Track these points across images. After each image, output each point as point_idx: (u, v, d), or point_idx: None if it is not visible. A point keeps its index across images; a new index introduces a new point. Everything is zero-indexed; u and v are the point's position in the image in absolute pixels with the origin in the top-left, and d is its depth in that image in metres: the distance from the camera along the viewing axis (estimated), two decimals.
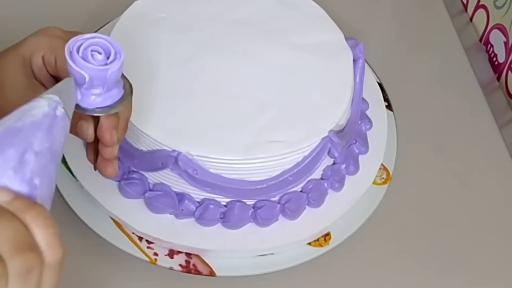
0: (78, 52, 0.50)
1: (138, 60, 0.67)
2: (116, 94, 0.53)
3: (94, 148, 0.57)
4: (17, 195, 0.42)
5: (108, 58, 0.51)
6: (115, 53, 0.51)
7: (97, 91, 0.52)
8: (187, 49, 0.70)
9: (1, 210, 0.41)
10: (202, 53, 0.70)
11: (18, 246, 0.40)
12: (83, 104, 0.52)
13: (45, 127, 0.45)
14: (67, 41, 0.53)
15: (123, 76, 0.54)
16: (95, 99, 0.52)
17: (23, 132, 0.44)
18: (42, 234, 0.41)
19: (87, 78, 0.50)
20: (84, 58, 0.50)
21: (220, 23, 0.72)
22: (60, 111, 0.47)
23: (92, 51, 0.50)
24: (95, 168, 0.58)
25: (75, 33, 0.58)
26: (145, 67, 0.67)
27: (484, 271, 0.72)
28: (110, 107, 0.53)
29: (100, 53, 0.50)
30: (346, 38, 0.73)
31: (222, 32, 0.72)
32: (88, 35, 0.51)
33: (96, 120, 0.55)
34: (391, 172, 0.75)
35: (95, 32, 0.79)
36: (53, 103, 0.47)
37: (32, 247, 0.41)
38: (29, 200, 0.42)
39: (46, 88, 0.57)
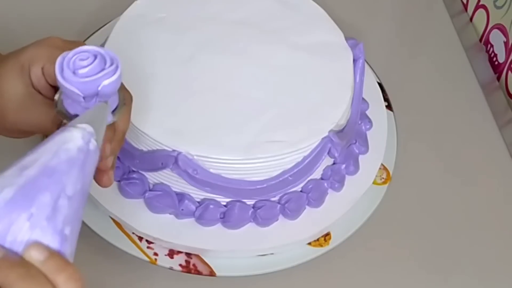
0: (68, 66, 0.49)
1: (138, 60, 0.67)
2: (110, 105, 0.52)
3: None
4: (51, 253, 0.41)
5: (105, 64, 0.50)
6: (112, 63, 0.50)
7: (91, 102, 0.51)
8: (187, 49, 0.70)
9: (34, 273, 0.41)
10: (202, 53, 0.70)
11: None
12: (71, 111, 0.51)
13: (79, 164, 0.44)
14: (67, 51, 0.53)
15: (122, 88, 0.53)
16: (78, 107, 0.51)
17: (58, 172, 0.43)
18: None
19: (78, 92, 0.49)
20: (74, 72, 0.49)
21: (220, 23, 0.72)
22: (93, 144, 0.46)
23: (80, 60, 0.50)
24: None
25: (76, 43, 0.58)
26: (145, 67, 0.67)
27: (484, 270, 0.72)
28: None
29: (84, 59, 0.50)
30: (346, 38, 0.73)
31: (222, 32, 0.72)
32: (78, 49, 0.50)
33: None
34: (391, 172, 0.75)
35: (94, 32, 0.79)
36: (87, 135, 0.46)
37: None
38: (61, 260, 0.42)
39: (44, 96, 0.56)
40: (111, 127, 0.54)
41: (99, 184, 0.56)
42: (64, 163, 0.43)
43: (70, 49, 0.55)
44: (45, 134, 0.57)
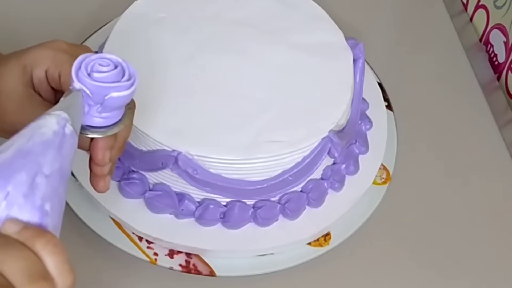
0: (86, 67, 0.49)
1: (138, 60, 0.66)
2: (116, 116, 0.52)
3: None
4: (26, 225, 0.42)
5: (122, 77, 0.50)
6: (129, 78, 0.50)
7: (94, 109, 0.50)
8: (187, 49, 0.70)
9: (11, 241, 0.41)
10: (202, 53, 0.70)
11: (31, 276, 0.40)
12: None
13: (55, 146, 0.45)
14: (72, 55, 0.52)
15: None
16: (92, 118, 0.51)
17: (33, 153, 0.44)
18: (52, 262, 0.42)
19: (88, 93, 0.49)
20: (89, 74, 0.49)
21: (220, 23, 0.72)
22: (68, 128, 0.46)
23: (99, 64, 0.49)
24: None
25: (81, 47, 0.57)
26: (145, 67, 0.67)
27: (484, 271, 0.72)
28: (107, 128, 0.52)
29: (103, 66, 0.49)
30: (346, 38, 0.73)
31: (222, 32, 0.72)
32: (104, 55, 0.50)
33: None
34: (391, 172, 0.75)
35: (94, 32, 0.79)
36: (61, 120, 0.46)
37: (44, 275, 0.41)
38: (38, 228, 0.42)
39: (44, 98, 0.56)
40: (113, 135, 0.53)
41: (95, 189, 0.56)
42: (39, 145, 0.44)
43: (76, 52, 0.54)
44: None
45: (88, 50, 0.58)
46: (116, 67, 0.50)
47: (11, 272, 0.40)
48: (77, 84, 0.49)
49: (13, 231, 0.42)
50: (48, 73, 0.55)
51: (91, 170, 0.55)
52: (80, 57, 0.50)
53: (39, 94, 0.56)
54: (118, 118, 0.52)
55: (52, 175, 0.44)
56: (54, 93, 0.57)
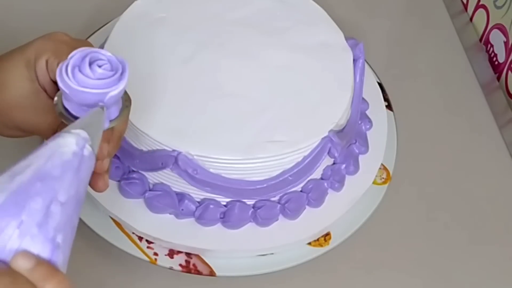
0: (75, 66, 0.48)
1: (138, 60, 0.67)
2: (114, 111, 0.51)
3: None
4: (38, 262, 0.40)
5: (114, 73, 0.49)
6: (120, 72, 0.49)
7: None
8: (187, 49, 0.70)
9: (23, 283, 0.40)
10: (202, 53, 0.70)
11: None
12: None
13: (73, 169, 0.43)
14: (73, 47, 0.52)
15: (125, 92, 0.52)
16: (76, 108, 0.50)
17: (51, 177, 0.42)
18: None
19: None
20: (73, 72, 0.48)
21: (220, 23, 0.72)
22: (87, 150, 0.45)
23: (93, 63, 0.49)
24: None
25: (82, 41, 0.57)
26: (145, 67, 0.67)
27: (484, 271, 0.72)
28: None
29: (100, 66, 0.49)
30: (346, 38, 0.73)
31: (222, 32, 0.72)
32: (90, 49, 0.49)
33: None
34: (391, 172, 0.75)
35: (94, 32, 0.79)
36: (81, 141, 0.45)
37: None
38: (49, 267, 0.41)
39: (49, 95, 0.56)
40: (110, 129, 0.53)
41: (94, 189, 0.55)
42: (58, 167, 0.43)
43: (77, 45, 0.54)
44: (42, 137, 0.56)
45: (89, 44, 0.57)
46: (110, 63, 0.49)
47: None
48: (60, 83, 0.48)
49: (25, 268, 0.40)
50: (48, 63, 0.55)
51: None
52: (67, 60, 0.49)
53: (45, 90, 0.56)
54: (116, 115, 0.52)
55: (68, 203, 0.42)
56: (56, 89, 0.56)
